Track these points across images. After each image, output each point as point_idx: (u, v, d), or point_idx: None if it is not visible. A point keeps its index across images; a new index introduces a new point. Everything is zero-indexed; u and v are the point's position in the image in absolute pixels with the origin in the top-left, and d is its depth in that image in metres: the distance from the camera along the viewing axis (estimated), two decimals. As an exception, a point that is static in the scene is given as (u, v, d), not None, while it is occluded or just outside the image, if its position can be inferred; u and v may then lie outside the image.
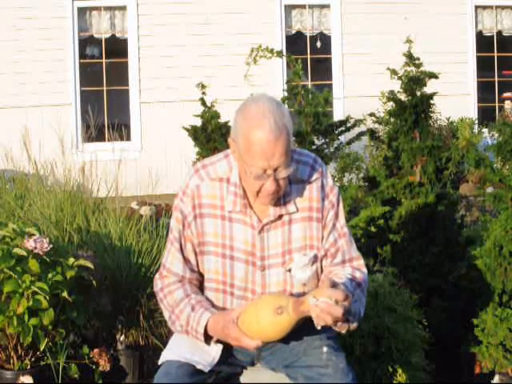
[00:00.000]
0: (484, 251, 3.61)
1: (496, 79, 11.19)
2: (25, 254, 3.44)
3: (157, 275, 2.61)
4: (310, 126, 4.37)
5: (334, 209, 2.53)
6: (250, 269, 2.49)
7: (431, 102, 4.43)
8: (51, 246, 3.52)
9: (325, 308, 2.23)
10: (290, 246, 2.49)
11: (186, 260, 2.54)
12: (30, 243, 3.46)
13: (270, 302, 2.31)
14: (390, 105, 4.67)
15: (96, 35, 10.45)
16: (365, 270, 2.58)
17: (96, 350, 3.79)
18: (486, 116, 11.03)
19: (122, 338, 4.06)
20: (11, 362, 3.61)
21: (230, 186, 2.48)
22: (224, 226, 2.49)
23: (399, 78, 4.46)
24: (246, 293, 2.52)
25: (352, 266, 2.55)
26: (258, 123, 2.30)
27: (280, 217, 2.48)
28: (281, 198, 2.46)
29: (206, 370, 2.44)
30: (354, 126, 4.67)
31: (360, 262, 2.58)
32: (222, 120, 5.30)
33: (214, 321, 2.43)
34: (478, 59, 10.91)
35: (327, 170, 2.57)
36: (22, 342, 3.46)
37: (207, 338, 2.47)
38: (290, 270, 2.50)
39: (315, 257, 2.51)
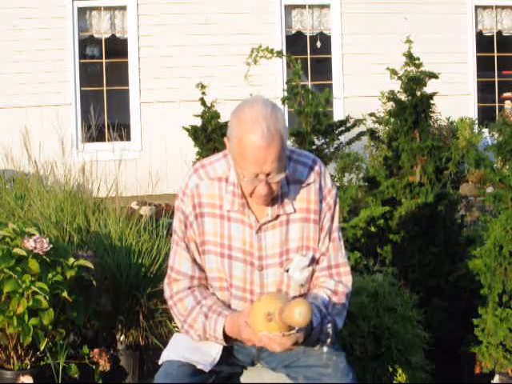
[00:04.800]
0: (484, 251, 3.61)
1: (496, 79, 11.19)
2: (25, 254, 3.45)
3: (165, 280, 2.58)
4: (310, 125, 4.37)
5: (330, 211, 2.52)
6: (248, 268, 2.49)
7: (431, 102, 4.43)
8: (51, 246, 3.52)
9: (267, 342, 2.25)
10: (287, 246, 2.49)
11: (193, 259, 2.53)
12: (30, 243, 3.46)
13: (263, 307, 2.29)
14: (390, 105, 4.67)
15: (96, 35, 10.44)
16: (349, 277, 2.55)
17: (96, 350, 3.80)
18: (486, 116, 11.03)
19: (122, 338, 4.06)
20: (11, 361, 3.62)
21: (229, 186, 2.48)
22: (223, 225, 2.49)
23: (399, 78, 4.46)
24: (244, 293, 2.52)
25: (338, 274, 2.53)
26: (251, 129, 2.29)
27: (277, 217, 2.48)
28: (278, 198, 2.46)
29: (207, 369, 2.44)
30: (353, 125, 4.66)
31: (346, 269, 2.55)
32: (222, 120, 5.30)
33: (229, 325, 2.42)
34: (478, 59, 10.91)
35: (326, 171, 2.56)
36: (22, 342, 3.46)
37: (228, 341, 2.47)
38: (287, 271, 2.50)
39: (312, 258, 2.51)
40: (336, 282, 2.52)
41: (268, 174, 2.33)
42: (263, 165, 2.31)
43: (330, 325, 2.44)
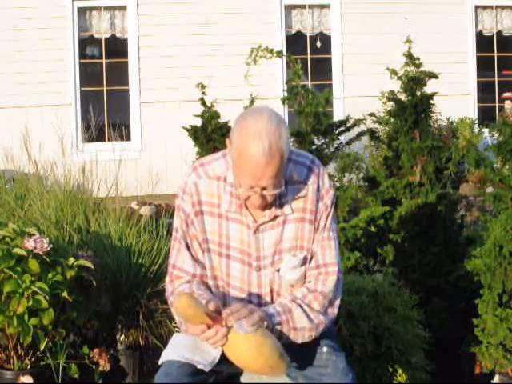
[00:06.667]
0: (484, 251, 3.61)
1: (496, 79, 11.19)
2: (25, 253, 3.45)
3: (167, 279, 2.57)
4: (310, 125, 4.37)
5: (326, 211, 2.51)
6: (246, 269, 2.49)
7: (431, 102, 4.43)
8: (51, 246, 3.52)
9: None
10: (280, 246, 2.49)
11: (194, 257, 2.52)
12: (30, 243, 3.46)
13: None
14: (390, 105, 4.68)
15: (96, 35, 10.44)
16: (333, 278, 2.49)
17: (96, 350, 3.80)
18: (486, 116, 11.03)
19: (122, 338, 4.06)
20: (11, 361, 3.62)
21: (227, 186, 2.48)
22: (221, 224, 2.49)
23: (399, 78, 4.46)
24: (242, 294, 2.51)
25: (326, 273, 2.49)
26: (252, 143, 2.27)
27: (275, 217, 2.47)
28: (276, 199, 2.45)
29: (207, 369, 2.44)
30: (353, 125, 4.67)
31: (333, 269, 2.50)
32: (222, 120, 5.30)
33: None
34: (478, 59, 10.91)
35: (324, 172, 2.55)
36: (22, 342, 3.46)
37: None
38: (278, 270, 2.50)
39: (305, 258, 2.50)
40: (317, 281, 2.49)
41: (264, 188, 2.33)
42: (259, 180, 2.31)
43: (298, 311, 2.42)
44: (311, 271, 2.51)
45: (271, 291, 2.51)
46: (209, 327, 2.31)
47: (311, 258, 2.51)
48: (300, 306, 2.44)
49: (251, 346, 2.30)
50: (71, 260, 3.59)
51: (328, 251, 2.51)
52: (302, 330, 2.44)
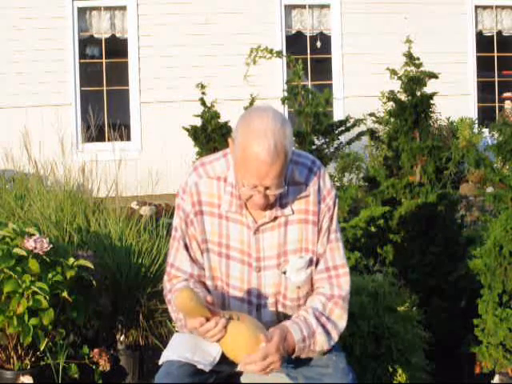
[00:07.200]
0: (484, 251, 3.61)
1: (496, 79, 11.19)
2: (25, 253, 3.45)
3: (165, 277, 2.58)
4: (310, 125, 4.37)
5: (329, 212, 2.51)
6: (245, 269, 2.49)
7: (431, 102, 4.43)
8: (51, 246, 3.52)
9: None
10: (285, 248, 2.48)
11: (192, 257, 2.53)
12: (29, 243, 3.46)
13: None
14: (390, 105, 4.68)
15: (96, 35, 10.44)
16: (347, 279, 2.52)
17: (96, 350, 3.79)
18: (486, 116, 11.03)
19: (122, 338, 4.06)
20: (11, 361, 3.62)
21: (227, 186, 2.48)
22: (221, 224, 2.49)
23: (399, 78, 4.46)
24: (242, 294, 2.51)
25: (337, 275, 2.50)
26: (257, 141, 2.27)
27: (275, 218, 2.47)
28: (277, 200, 2.44)
29: (207, 369, 2.44)
30: (353, 125, 4.67)
31: (344, 271, 2.52)
32: (222, 120, 5.30)
33: None
34: (478, 59, 10.91)
35: (326, 172, 2.54)
36: (22, 342, 3.46)
37: None
38: (285, 272, 2.49)
39: (310, 260, 2.50)
40: (332, 285, 2.50)
41: (267, 188, 2.33)
42: (263, 179, 2.30)
43: (321, 335, 2.44)
44: (320, 274, 2.51)
45: (277, 293, 2.51)
46: (207, 320, 2.32)
47: (317, 260, 2.51)
48: (323, 326, 2.44)
49: (250, 339, 2.31)
50: (71, 260, 3.59)
51: (337, 253, 2.52)
52: (319, 352, 2.47)
